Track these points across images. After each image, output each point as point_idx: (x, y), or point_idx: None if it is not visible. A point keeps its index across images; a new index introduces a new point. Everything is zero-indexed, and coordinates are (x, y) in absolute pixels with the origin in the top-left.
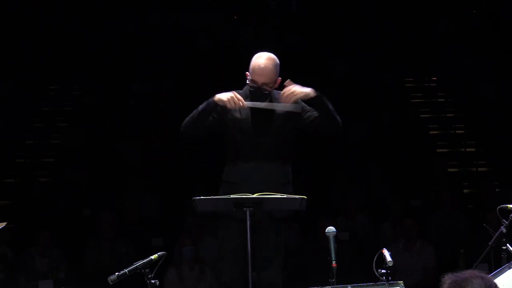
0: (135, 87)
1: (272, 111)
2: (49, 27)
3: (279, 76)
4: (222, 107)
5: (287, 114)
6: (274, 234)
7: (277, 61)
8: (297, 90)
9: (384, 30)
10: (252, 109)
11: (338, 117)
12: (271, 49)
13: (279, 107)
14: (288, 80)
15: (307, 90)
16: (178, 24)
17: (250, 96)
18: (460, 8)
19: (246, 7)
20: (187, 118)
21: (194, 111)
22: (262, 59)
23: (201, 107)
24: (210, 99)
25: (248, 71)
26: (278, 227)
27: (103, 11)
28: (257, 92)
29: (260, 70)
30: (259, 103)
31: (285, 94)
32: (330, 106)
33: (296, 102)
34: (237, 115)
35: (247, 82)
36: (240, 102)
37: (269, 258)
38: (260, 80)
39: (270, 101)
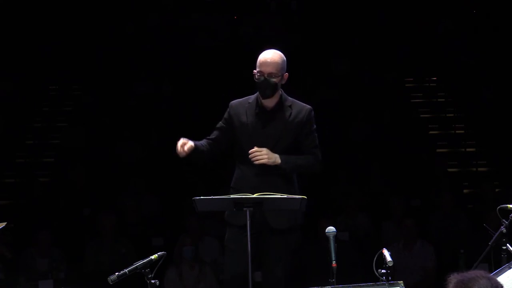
0: (135, 87)
1: (278, 117)
2: (49, 27)
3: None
4: (231, 115)
5: (293, 120)
6: (284, 236)
7: (284, 57)
8: (266, 155)
9: (384, 29)
10: (258, 114)
11: (313, 166)
12: (271, 49)
13: None
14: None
15: (276, 159)
16: (178, 24)
17: (258, 89)
18: (460, 8)
19: (246, 7)
20: None
21: None
22: (268, 53)
23: None
24: None
25: (255, 69)
26: (288, 230)
27: (103, 11)
28: (264, 83)
29: (266, 61)
30: None
31: (254, 154)
32: (297, 164)
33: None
34: (244, 119)
35: (255, 77)
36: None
37: (277, 260)
38: (267, 70)
39: (280, 98)
